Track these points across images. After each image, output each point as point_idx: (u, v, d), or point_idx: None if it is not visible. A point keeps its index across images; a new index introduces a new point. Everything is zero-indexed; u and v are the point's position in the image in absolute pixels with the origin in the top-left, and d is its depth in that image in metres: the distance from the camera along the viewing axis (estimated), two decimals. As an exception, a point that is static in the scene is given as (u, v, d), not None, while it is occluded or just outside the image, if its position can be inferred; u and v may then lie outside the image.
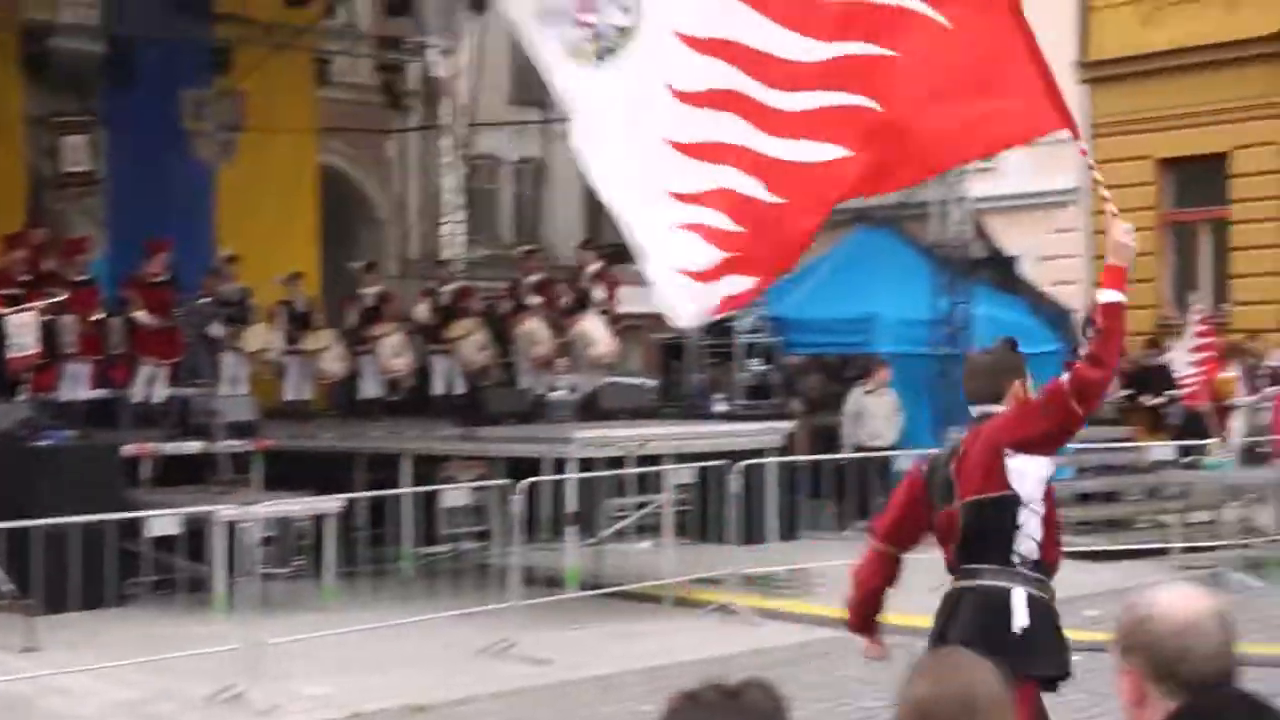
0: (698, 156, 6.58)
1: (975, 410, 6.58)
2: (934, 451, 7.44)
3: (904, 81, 6.49)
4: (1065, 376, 6.34)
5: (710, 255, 6.56)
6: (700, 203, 6.54)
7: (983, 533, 6.39)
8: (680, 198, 6.54)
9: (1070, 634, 11.42)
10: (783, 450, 17.28)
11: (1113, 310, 6.32)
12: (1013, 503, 6.27)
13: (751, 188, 6.58)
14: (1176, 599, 3.37)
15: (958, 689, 2.96)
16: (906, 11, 6.38)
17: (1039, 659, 6.18)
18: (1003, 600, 6.18)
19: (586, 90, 6.68)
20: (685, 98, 6.55)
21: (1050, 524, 6.35)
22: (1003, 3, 6.50)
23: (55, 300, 17.77)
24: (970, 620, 6.41)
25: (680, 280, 6.64)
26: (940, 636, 6.48)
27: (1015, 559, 6.22)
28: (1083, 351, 6.79)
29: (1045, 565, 6.28)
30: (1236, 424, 20.20)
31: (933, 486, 6.62)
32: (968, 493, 6.40)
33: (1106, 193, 6.92)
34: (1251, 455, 18.31)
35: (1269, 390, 21.51)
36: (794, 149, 6.57)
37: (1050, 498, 6.39)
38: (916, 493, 6.76)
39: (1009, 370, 6.60)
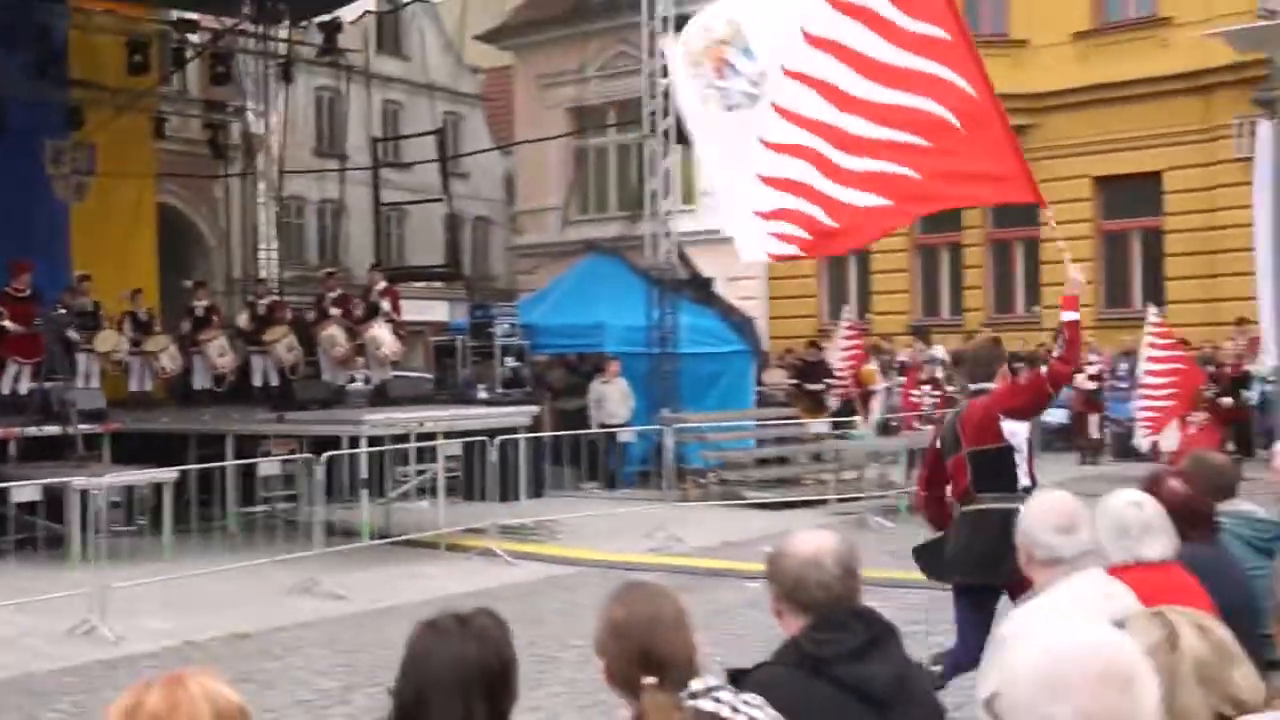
0: (776, 188, 7.65)
1: (973, 386, 7.68)
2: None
3: (930, 158, 7.58)
4: (1044, 369, 7.78)
5: (776, 221, 7.68)
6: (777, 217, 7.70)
7: (990, 472, 7.31)
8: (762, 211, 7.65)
9: (747, 566, 11.65)
10: (531, 428, 17.27)
11: (1073, 325, 7.51)
12: (1009, 451, 7.33)
13: (812, 211, 7.63)
14: (801, 541, 3.46)
15: (647, 611, 2.96)
16: (934, 116, 7.48)
17: None
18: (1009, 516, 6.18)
19: (712, 121, 7.84)
20: (774, 147, 7.64)
21: (1030, 464, 7.45)
22: (989, 100, 7.62)
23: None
24: (975, 530, 7.28)
25: (753, 224, 7.75)
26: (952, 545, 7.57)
27: (1019, 488, 7.12)
28: (1055, 352, 7.84)
29: (1030, 491, 6.92)
30: (876, 404, 20.81)
31: (944, 443, 7.66)
32: (970, 444, 7.39)
33: (1063, 243, 8.49)
34: (887, 428, 18.89)
35: (898, 379, 22.24)
36: (849, 195, 7.60)
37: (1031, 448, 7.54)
38: (934, 454, 7.85)
39: (998, 359, 7.93)
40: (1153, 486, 4.84)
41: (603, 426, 19.72)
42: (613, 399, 20.52)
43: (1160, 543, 4.38)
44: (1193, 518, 4.81)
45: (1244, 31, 16.72)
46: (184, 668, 2.41)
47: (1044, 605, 3.97)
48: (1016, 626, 3.93)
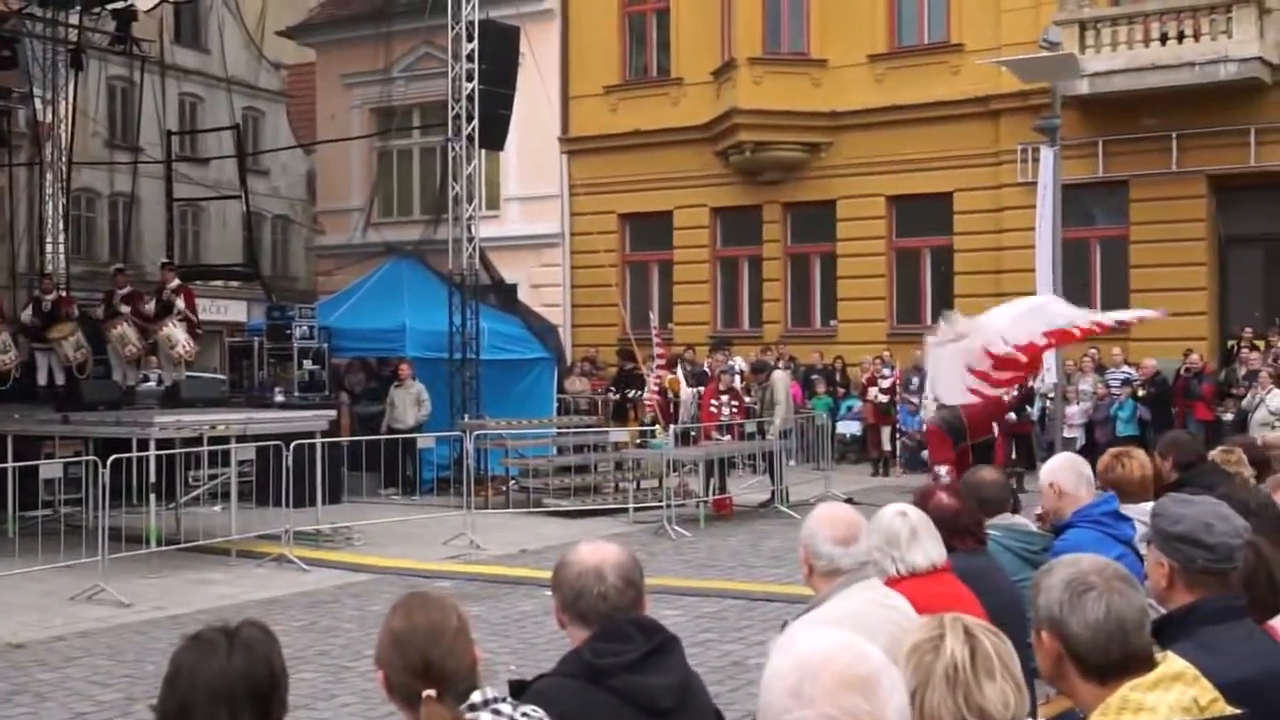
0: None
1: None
2: (942, 415, 13.14)
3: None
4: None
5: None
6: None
7: (986, 456, 11.97)
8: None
9: (545, 574, 11.72)
10: (329, 432, 17.01)
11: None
12: (994, 440, 12.35)
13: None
14: (584, 552, 3.51)
15: (427, 621, 2.96)
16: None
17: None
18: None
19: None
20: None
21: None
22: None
23: None
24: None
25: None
26: None
27: (1007, 467, 10.02)
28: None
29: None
30: (680, 413, 21.06)
31: (954, 434, 12.60)
32: (975, 436, 12.78)
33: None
34: (685, 437, 19.11)
35: (698, 388, 22.55)
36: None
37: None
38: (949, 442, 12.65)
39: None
40: (922, 500, 5.05)
41: (391, 431, 19.57)
42: (403, 403, 20.36)
43: (927, 550, 4.56)
44: (960, 529, 5.03)
45: (1027, 61, 17.41)
46: None
47: (821, 616, 4.11)
48: (786, 639, 4.06)
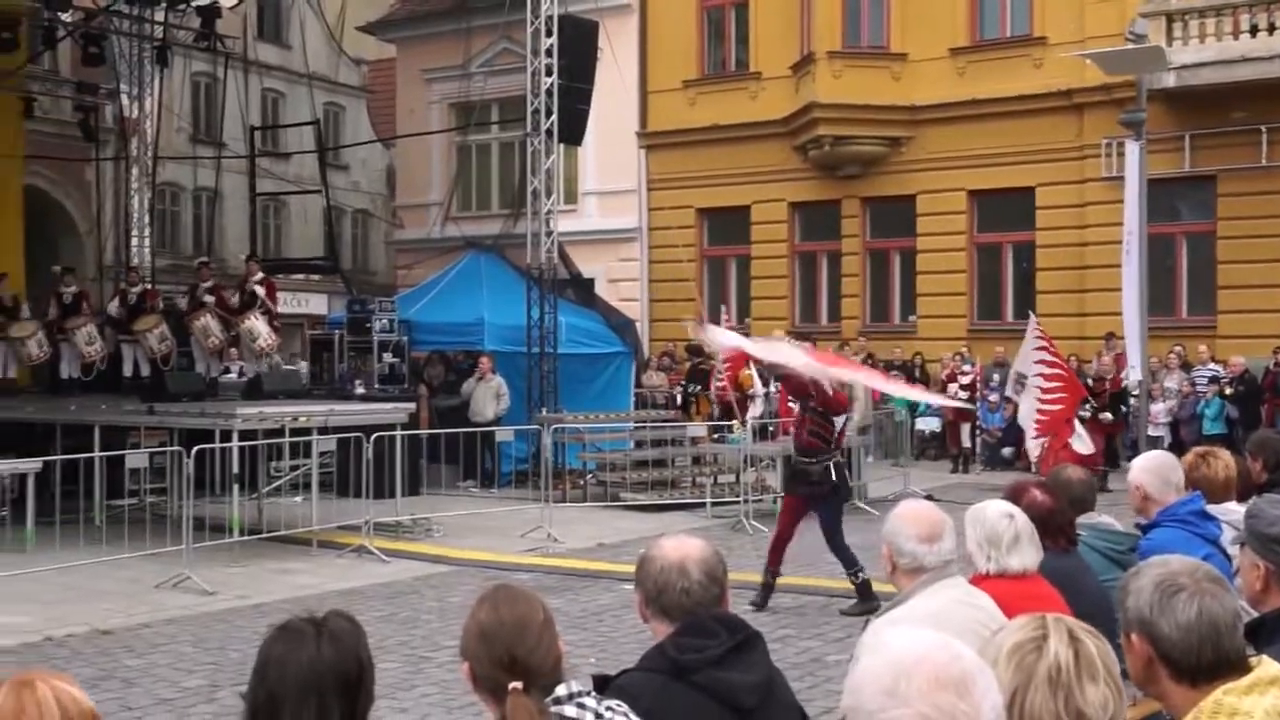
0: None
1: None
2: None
3: None
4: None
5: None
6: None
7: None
8: None
9: (623, 568, 11.73)
10: (408, 425, 17.15)
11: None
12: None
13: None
14: (668, 546, 3.50)
15: (513, 615, 2.96)
16: None
17: None
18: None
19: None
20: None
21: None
22: None
23: None
24: None
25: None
26: None
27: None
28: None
29: None
30: (753, 409, 20.98)
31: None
32: None
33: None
34: (763, 432, 19.05)
35: (774, 385, 22.46)
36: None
37: None
38: None
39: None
40: (1016, 496, 4.98)
41: (472, 425, 19.69)
42: (482, 397, 20.47)
43: (1026, 555, 4.51)
44: (1053, 528, 4.97)
45: (1112, 54, 17.16)
46: (34, 669, 2.36)
47: (905, 614, 4.07)
48: (872, 637, 4.03)
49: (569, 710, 2.88)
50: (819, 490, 11.72)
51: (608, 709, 2.96)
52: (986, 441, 23.39)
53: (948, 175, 25.37)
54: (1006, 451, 23.12)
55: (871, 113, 25.75)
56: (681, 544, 3.47)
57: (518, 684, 2.83)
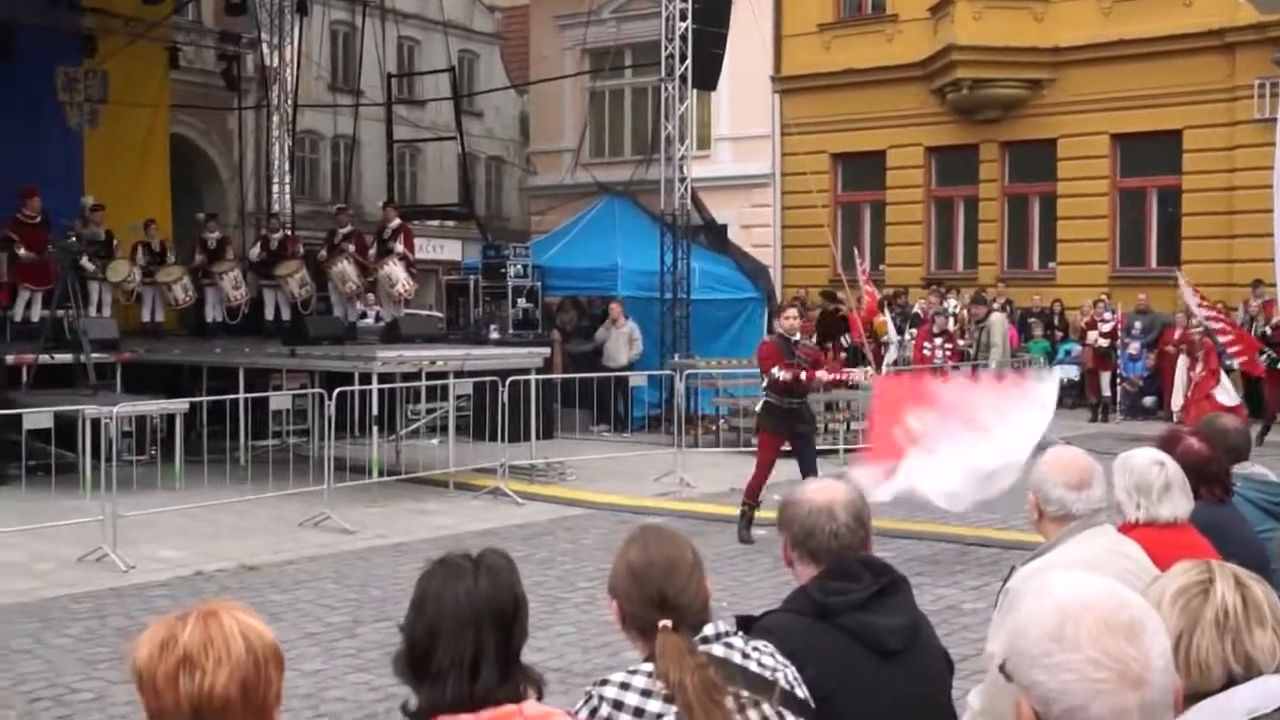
0: None
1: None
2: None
3: None
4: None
5: None
6: None
7: None
8: None
9: (760, 514, 11.71)
10: (542, 369, 17.29)
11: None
12: None
13: None
14: (814, 489, 3.47)
15: (663, 554, 2.97)
16: None
17: None
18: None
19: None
20: None
21: None
22: None
23: (-52, 237, 17.32)
24: None
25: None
26: None
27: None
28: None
29: None
30: (888, 356, 20.77)
31: None
32: None
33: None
34: (897, 379, 18.78)
35: (910, 330, 22.22)
36: None
37: None
38: None
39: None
40: (1171, 444, 4.85)
41: (605, 370, 19.76)
42: (615, 343, 20.54)
43: (1177, 504, 4.40)
44: (1209, 477, 4.83)
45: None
46: (217, 600, 2.39)
47: (1053, 561, 4.00)
48: (1023, 582, 3.96)
49: (716, 649, 2.88)
50: (809, 429, 12.59)
51: (754, 649, 2.95)
52: (1127, 390, 22.89)
53: (1091, 118, 24.72)
54: (1148, 401, 22.61)
55: (1012, 54, 25.16)
56: (827, 487, 3.45)
57: (667, 622, 2.83)
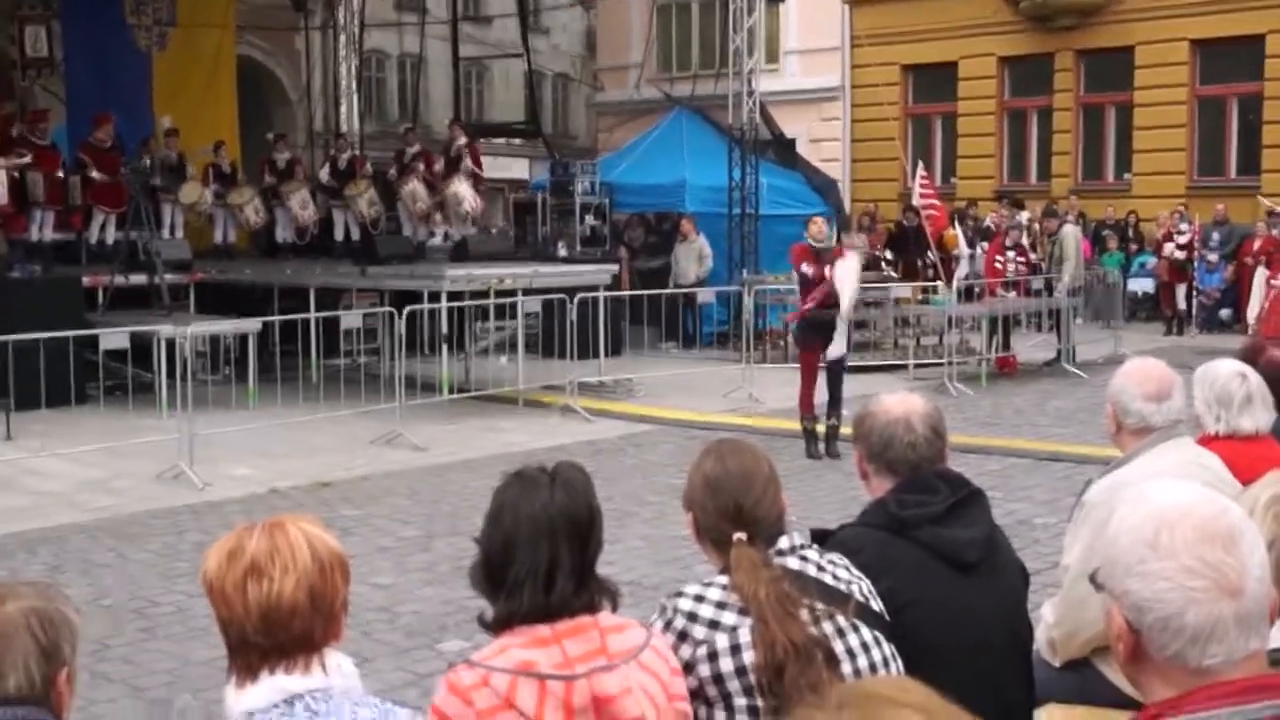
0: None
1: None
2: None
3: None
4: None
5: None
6: None
7: None
8: None
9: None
10: (610, 287, 17.27)
11: None
12: None
13: None
14: (890, 402, 3.42)
15: (739, 466, 2.95)
16: None
17: None
18: None
19: None
20: None
21: None
22: None
23: (23, 160, 17.48)
24: None
25: None
26: None
27: None
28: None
29: None
30: (958, 270, 20.54)
31: None
32: None
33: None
34: (968, 294, 18.62)
35: (982, 244, 21.93)
36: None
37: None
38: None
39: None
40: (1254, 354, 4.75)
41: (674, 286, 19.69)
42: (684, 258, 20.46)
43: (1258, 416, 4.32)
44: (1291, 389, 4.72)
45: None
46: (283, 514, 2.44)
47: (1131, 474, 3.93)
48: (1101, 495, 3.90)
49: (791, 562, 2.86)
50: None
51: (829, 562, 2.93)
52: (1203, 303, 22.51)
53: (1169, 24, 24.09)
54: (1224, 313, 22.25)
55: (1089, -41, 24.56)
56: (904, 399, 3.41)
57: (742, 535, 2.82)
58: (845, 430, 11.76)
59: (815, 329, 12.46)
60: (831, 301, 12.31)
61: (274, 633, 2.30)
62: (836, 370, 12.53)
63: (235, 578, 2.31)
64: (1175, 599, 1.71)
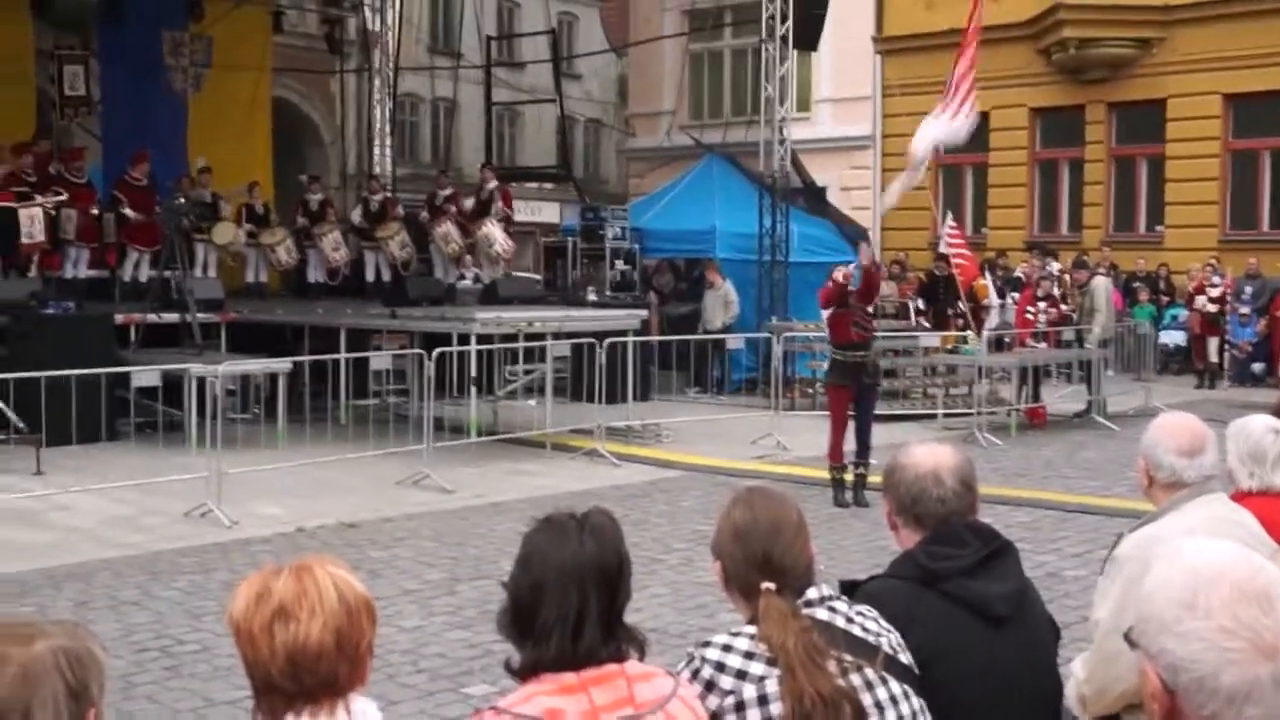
0: None
1: None
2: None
3: None
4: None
5: None
6: None
7: None
8: None
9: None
10: (639, 332, 17.29)
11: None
12: None
13: None
14: (920, 454, 3.39)
15: (769, 515, 2.93)
16: None
17: None
18: None
19: None
20: None
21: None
22: None
23: (59, 198, 17.68)
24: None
25: None
26: None
27: None
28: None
29: None
30: (988, 320, 20.49)
31: None
32: None
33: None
34: (999, 344, 18.58)
35: (1013, 295, 21.87)
36: None
37: None
38: None
39: None
40: None
41: (702, 333, 19.70)
42: (711, 305, 20.49)
43: (1293, 472, 4.28)
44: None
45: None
46: (311, 555, 2.43)
47: (1163, 529, 3.90)
48: (1133, 549, 3.86)
49: (820, 613, 2.84)
50: (873, 382, 12.43)
51: (858, 614, 2.91)
52: (1235, 356, 22.37)
53: (1201, 78, 24.09)
54: (1257, 367, 22.11)
55: (1121, 13, 24.59)
56: (934, 451, 3.38)
57: (771, 584, 2.80)
58: (874, 478, 11.81)
59: (845, 371, 12.35)
60: (863, 338, 12.23)
61: (300, 676, 2.30)
62: (865, 418, 12.40)
63: (263, 620, 2.31)
64: (1211, 659, 1.68)
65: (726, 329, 19.87)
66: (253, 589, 2.35)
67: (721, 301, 20.51)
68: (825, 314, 12.82)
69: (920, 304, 21.53)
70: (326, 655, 2.30)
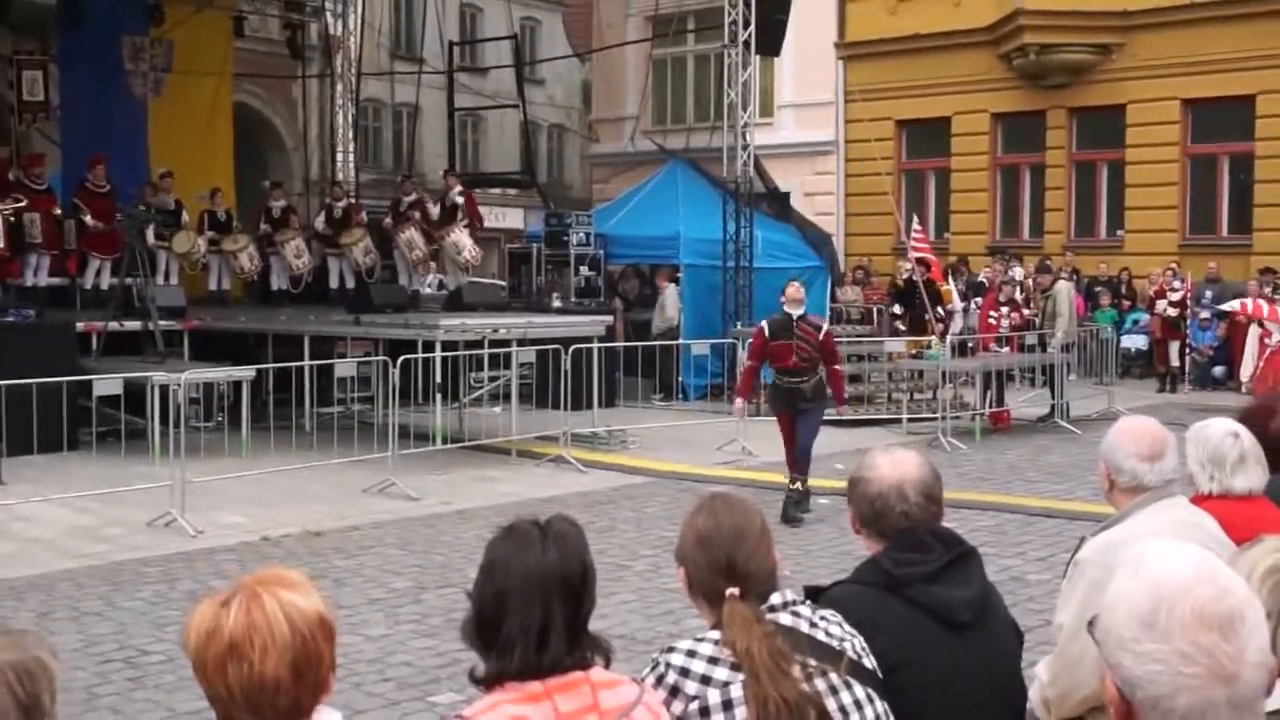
0: None
1: None
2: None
3: None
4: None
5: None
6: None
7: None
8: None
9: (823, 482, 11.70)
10: (604, 338, 17.30)
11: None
12: None
13: None
14: (884, 468, 3.38)
15: (732, 521, 2.95)
16: None
17: None
18: None
19: None
20: None
21: None
22: None
23: (19, 205, 17.53)
24: None
25: None
26: None
27: None
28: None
29: None
30: (951, 324, 20.59)
31: None
32: None
33: None
34: (962, 349, 18.67)
35: (975, 299, 22.01)
36: None
37: None
38: None
39: None
40: (1264, 415, 4.75)
41: (658, 336, 19.82)
42: (655, 310, 20.68)
43: (1252, 476, 4.31)
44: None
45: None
46: (262, 574, 2.34)
47: (1125, 533, 3.93)
48: (1094, 554, 3.89)
49: (784, 618, 2.86)
50: (811, 405, 12.43)
51: (822, 618, 2.93)
52: (1196, 360, 22.57)
53: (1160, 84, 24.29)
54: (1217, 371, 22.31)
55: (1081, 18, 24.76)
56: (898, 463, 3.38)
57: (734, 590, 2.82)
58: (815, 481, 12.04)
59: (779, 396, 12.58)
60: (801, 366, 12.31)
61: (260, 710, 2.24)
62: (804, 439, 12.37)
63: (215, 658, 2.25)
64: (1166, 682, 1.66)
65: (666, 334, 19.94)
66: (202, 625, 2.28)
67: (659, 307, 20.64)
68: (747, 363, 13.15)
69: (897, 309, 21.54)
70: (284, 689, 2.23)
